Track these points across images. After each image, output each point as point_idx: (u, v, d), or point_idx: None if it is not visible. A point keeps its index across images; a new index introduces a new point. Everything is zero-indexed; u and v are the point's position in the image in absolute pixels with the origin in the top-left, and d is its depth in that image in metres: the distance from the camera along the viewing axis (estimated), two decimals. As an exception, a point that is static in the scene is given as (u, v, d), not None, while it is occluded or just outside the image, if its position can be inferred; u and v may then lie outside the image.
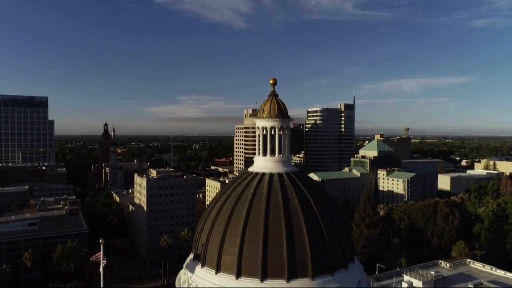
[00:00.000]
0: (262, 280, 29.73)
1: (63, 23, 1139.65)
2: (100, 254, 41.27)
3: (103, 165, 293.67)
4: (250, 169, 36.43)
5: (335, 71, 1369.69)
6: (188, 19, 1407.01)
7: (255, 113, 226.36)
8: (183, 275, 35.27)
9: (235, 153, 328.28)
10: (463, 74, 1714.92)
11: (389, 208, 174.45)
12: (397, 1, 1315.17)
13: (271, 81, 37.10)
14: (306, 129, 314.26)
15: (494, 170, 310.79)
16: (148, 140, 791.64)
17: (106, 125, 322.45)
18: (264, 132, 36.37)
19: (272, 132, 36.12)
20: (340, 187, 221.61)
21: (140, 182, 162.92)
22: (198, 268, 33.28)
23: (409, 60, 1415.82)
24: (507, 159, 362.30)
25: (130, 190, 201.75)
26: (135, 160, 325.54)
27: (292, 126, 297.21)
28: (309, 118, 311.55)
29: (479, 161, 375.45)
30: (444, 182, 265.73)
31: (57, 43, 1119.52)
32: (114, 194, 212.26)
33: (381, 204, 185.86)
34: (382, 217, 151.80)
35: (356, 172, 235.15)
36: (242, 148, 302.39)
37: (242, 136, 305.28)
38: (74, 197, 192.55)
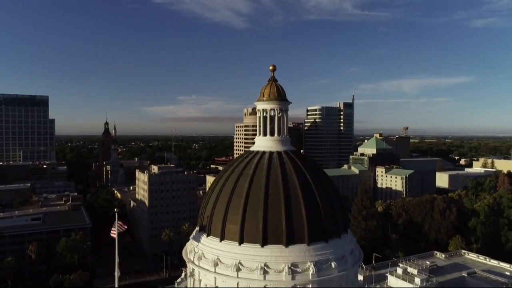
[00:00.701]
0: (262, 245, 32.37)
1: (63, 23, 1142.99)
2: (115, 228, 43.40)
3: (104, 163, 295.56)
4: (252, 148, 39.00)
5: (334, 71, 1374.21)
6: (188, 19, 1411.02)
7: (254, 112, 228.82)
8: (190, 245, 37.78)
9: (235, 152, 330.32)
10: (462, 74, 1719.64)
11: (387, 204, 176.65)
12: (397, 1, 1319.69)
13: (270, 67, 39.77)
14: (306, 128, 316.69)
15: (492, 168, 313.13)
16: (148, 140, 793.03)
17: (106, 123, 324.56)
18: (264, 114, 38.87)
19: (272, 114, 38.67)
20: (339, 184, 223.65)
21: (141, 178, 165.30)
22: (204, 238, 35.84)
23: (409, 60, 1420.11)
24: (506, 158, 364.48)
25: (131, 187, 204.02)
26: (136, 159, 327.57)
27: (291, 125, 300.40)
28: (308, 117, 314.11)
29: (477, 160, 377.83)
30: (442, 179, 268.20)
31: (57, 43, 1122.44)
32: (115, 191, 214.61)
33: (379, 200, 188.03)
34: (380, 213, 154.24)
35: (355, 169, 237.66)
36: (242, 146, 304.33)
37: (242, 134, 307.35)
38: (75, 193, 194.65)
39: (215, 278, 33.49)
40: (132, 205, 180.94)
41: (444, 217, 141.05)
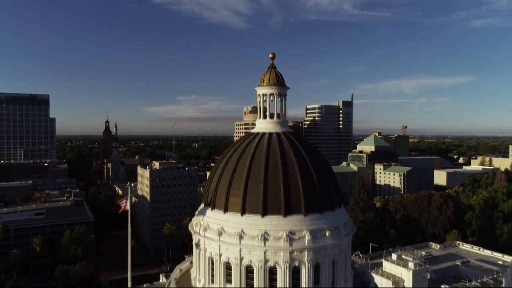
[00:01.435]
0: (263, 215, 35.33)
1: (64, 23, 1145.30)
2: (127, 201, 46.04)
3: (105, 161, 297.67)
4: (252, 130, 41.83)
5: (334, 71, 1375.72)
6: (187, 19, 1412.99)
7: (254, 110, 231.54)
8: (195, 220, 40.68)
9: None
10: (462, 74, 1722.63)
11: (385, 200, 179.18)
12: (396, 1, 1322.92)
13: (270, 55, 42.73)
14: (305, 126, 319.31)
15: (490, 166, 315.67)
16: (147, 140, 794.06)
17: (107, 122, 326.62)
18: (264, 99, 41.70)
19: (271, 99, 41.52)
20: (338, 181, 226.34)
21: (143, 174, 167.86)
22: (209, 211, 38.81)
23: (408, 60, 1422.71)
24: (504, 156, 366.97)
25: (132, 184, 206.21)
26: (136, 157, 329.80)
27: (290, 124, 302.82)
28: (307, 115, 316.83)
29: (475, 158, 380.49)
30: (440, 177, 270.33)
31: (57, 43, 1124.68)
32: (116, 188, 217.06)
33: (377, 197, 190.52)
34: (378, 209, 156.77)
35: (353, 166, 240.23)
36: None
37: (242, 133, 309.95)
38: (77, 190, 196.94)
39: (219, 246, 36.37)
40: (134, 201, 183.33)
41: (441, 212, 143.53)
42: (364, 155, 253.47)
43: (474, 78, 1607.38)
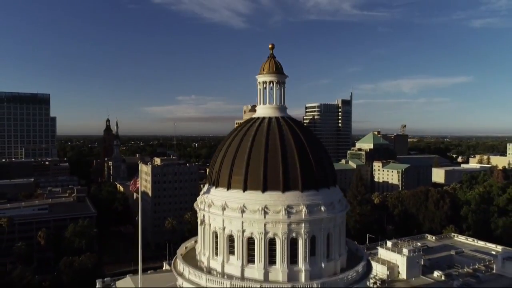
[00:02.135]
0: (263, 191, 38.26)
1: (64, 23, 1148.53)
2: (138, 180, 48.78)
3: (106, 159, 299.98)
4: (253, 115, 44.66)
5: (334, 71, 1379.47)
6: (187, 19, 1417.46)
7: (254, 108, 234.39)
8: (200, 198, 43.55)
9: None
10: (461, 74, 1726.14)
11: (383, 196, 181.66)
12: (396, 1, 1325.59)
13: (270, 46, 45.56)
14: (304, 124, 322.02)
15: (488, 164, 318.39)
16: (147, 139, 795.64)
17: (108, 120, 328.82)
18: (264, 86, 44.53)
19: (271, 86, 44.35)
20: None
21: (145, 170, 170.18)
22: (213, 189, 41.81)
23: (408, 60, 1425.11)
24: (502, 155, 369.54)
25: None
26: (137, 155, 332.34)
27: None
28: (307, 114, 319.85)
29: (474, 156, 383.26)
30: (438, 175, 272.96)
31: (58, 43, 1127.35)
32: (118, 185, 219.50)
33: (375, 193, 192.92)
34: (376, 205, 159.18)
35: (352, 164, 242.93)
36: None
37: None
38: (79, 187, 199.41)
39: (223, 220, 39.24)
40: (135, 197, 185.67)
41: (438, 208, 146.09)
42: (363, 153, 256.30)
43: (473, 78, 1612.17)
